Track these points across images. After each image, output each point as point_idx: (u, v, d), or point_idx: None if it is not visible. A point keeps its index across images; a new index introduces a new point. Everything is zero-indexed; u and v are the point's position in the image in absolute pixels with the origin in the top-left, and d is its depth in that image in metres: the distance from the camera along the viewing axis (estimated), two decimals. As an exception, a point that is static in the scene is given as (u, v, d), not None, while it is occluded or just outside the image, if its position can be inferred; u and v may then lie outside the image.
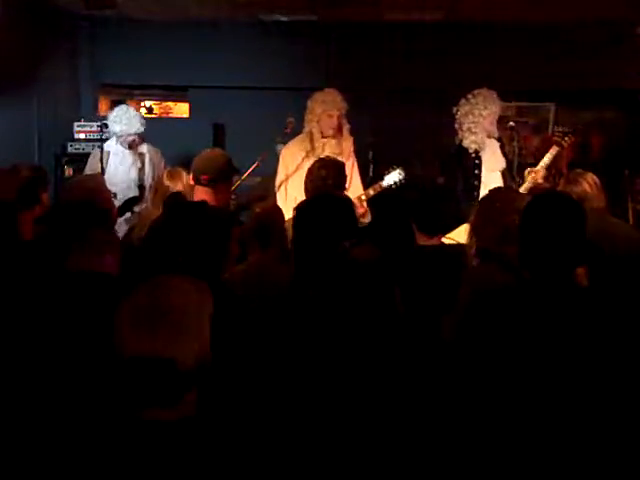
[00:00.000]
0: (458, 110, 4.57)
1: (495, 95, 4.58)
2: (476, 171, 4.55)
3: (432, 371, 2.01)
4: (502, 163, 4.56)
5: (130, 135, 5.00)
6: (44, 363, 2.08)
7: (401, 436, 1.77)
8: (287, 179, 4.44)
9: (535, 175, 4.46)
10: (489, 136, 4.56)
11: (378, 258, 2.12)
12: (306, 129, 4.50)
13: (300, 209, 2.51)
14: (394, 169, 4.29)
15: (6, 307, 2.27)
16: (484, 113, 4.50)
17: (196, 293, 1.49)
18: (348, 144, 4.54)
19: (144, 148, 5.11)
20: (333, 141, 4.45)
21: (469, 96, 4.57)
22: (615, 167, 4.60)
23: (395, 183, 4.28)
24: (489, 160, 4.54)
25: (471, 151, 4.54)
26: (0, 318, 2.23)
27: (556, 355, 1.94)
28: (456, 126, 4.59)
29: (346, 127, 4.54)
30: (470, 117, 4.53)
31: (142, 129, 5.06)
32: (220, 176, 3.44)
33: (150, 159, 5.09)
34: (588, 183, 3.59)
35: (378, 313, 1.96)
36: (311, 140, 4.43)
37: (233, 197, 4.58)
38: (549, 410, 1.93)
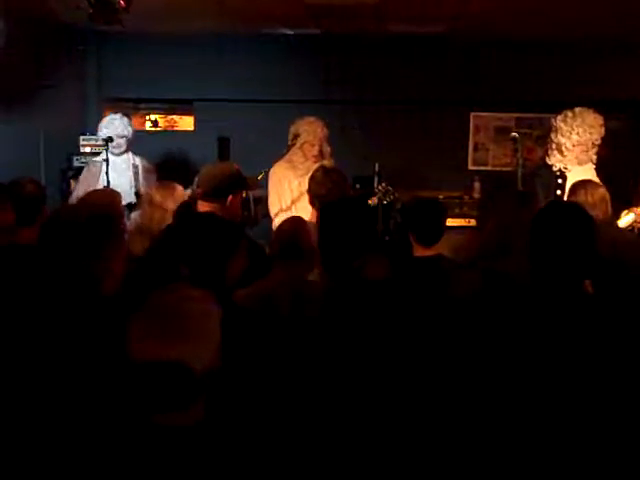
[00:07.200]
0: (552, 123, 4.16)
1: (599, 120, 4.07)
2: (558, 191, 4.10)
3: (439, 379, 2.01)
4: None
5: (121, 137, 5.05)
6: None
7: (410, 443, 1.78)
8: (294, 203, 4.47)
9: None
10: (580, 163, 4.14)
11: (389, 277, 2.13)
12: (288, 155, 4.59)
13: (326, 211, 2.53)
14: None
15: None
16: (574, 139, 4.04)
17: (205, 300, 1.52)
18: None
19: (137, 160, 5.16)
20: (315, 165, 4.55)
21: (568, 113, 4.10)
22: (620, 177, 4.57)
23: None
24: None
25: (555, 169, 4.17)
26: None
27: (560, 360, 1.94)
28: (548, 140, 4.20)
29: (327, 150, 4.66)
30: (559, 137, 4.10)
31: (130, 133, 5.14)
32: (214, 192, 3.23)
33: (143, 170, 5.13)
34: (590, 193, 3.54)
35: (389, 332, 1.98)
36: (294, 167, 4.55)
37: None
38: (555, 411, 1.92)
